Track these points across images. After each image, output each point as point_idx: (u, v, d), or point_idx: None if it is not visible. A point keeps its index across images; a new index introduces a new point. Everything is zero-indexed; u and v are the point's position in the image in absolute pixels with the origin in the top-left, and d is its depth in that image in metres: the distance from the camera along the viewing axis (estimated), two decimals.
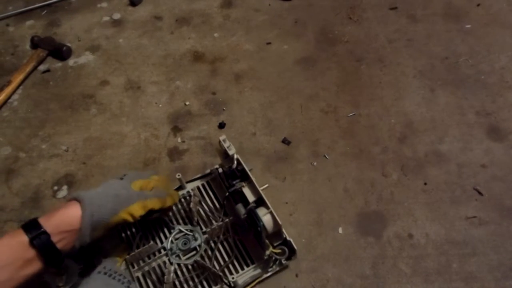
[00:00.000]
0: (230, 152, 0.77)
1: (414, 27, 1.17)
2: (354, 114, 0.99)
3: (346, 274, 0.77)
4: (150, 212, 0.69)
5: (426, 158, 0.92)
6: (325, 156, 0.92)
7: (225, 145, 0.77)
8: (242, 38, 1.16)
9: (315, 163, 0.91)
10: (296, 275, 0.76)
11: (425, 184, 0.88)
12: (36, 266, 0.58)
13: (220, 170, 0.84)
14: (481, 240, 0.80)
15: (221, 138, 0.78)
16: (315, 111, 1.00)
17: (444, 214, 0.84)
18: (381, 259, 0.78)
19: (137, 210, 0.66)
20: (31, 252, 0.57)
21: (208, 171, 0.87)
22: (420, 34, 1.15)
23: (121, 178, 0.70)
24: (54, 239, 0.59)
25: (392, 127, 0.97)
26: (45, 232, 0.58)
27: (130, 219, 0.66)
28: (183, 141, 0.96)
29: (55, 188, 0.89)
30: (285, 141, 0.95)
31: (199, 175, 0.87)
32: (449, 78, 1.06)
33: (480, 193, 0.86)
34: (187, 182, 0.85)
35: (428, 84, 1.05)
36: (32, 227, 0.58)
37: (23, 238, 0.57)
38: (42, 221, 0.59)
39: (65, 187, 0.89)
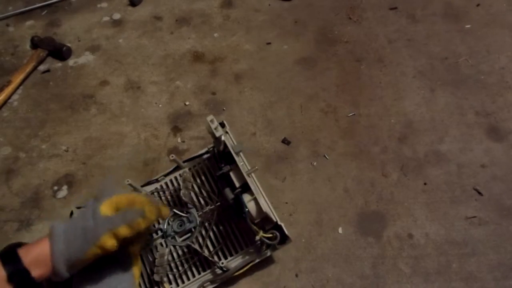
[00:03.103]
0: (217, 134, 0.71)
1: (414, 27, 1.17)
2: (354, 114, 0.99)
3: (346, 274, 0.77)
4: (130, 239, 0.62)
5: (426, 158, 0.92)
6: (325, 156, 0.92)
7: (213, 126, 0.71)
8: (242, 38, 1.16)
9: (315, 163, 0.91)
10: (296, 275, 0.76)
11: (425, 184, 0.88)
12: None
13: (216, 150, 0.79)
14: (481, 240, 0.80)
15: (208, 118, 0.71)
16: (315, 111, 1.00)
17: (444, 214, 0.84)
18: (381, 259, 0.78)
19: (107, 241, 0.58)
20: (8, 287, 0.55)
21: (204, 150, 0.84)
22: (420, 34, 1.15)
23: (94, 201, 0.64)
24: (32, 272, 0.57)
25: (392, 127, 0.97)
26: (23, 268, 0.56)
27: (103, 252, 0.59)
28: (183, 141, 0.96)
29: (55, 188, 0.89)
30: (285, 141, 0.95)
31: (195, 154, 0.85)
32: (449, 78, 1.06)
33: (480, 193, 0.86)
34: (184, 162, 0.83)
35: (428, 84, 1.05)
36: (11, 260, 0.56)
37: (1, 272, 0.55)
38: (21, 253, 0.57)
39: (65, 187, 0.89)
